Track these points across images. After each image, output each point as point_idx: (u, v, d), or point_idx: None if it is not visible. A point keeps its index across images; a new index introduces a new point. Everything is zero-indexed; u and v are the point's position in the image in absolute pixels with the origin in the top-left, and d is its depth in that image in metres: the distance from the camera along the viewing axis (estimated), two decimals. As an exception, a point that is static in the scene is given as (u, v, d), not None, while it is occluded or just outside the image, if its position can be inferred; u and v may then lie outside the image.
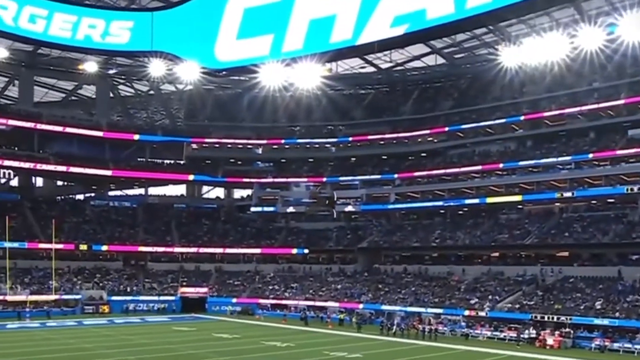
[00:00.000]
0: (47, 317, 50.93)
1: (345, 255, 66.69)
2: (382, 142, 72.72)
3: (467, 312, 49.38)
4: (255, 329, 48.32)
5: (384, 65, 73.18)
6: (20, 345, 36.92)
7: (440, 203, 65.15)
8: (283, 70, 45.62)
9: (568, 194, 56.05)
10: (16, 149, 68.45)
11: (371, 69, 74.63)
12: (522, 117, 63.37)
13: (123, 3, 61.16)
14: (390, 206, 68.54)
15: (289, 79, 56.10)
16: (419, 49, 67.33)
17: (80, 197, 75.80)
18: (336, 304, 56.30)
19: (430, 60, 71.97)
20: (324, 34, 42.96)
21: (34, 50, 68.48)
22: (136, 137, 72.03)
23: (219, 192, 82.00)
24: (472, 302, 51.29)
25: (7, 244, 54.76)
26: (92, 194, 75.88)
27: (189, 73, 50.86)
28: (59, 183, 77.72)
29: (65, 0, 50.78)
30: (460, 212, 65.79)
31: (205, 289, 61.10)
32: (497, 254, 60.15)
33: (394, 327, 46.70)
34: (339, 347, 38.62)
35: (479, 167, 63.87)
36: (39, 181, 77.42)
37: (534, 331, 43.47)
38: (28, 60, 70.59)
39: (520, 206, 62.20)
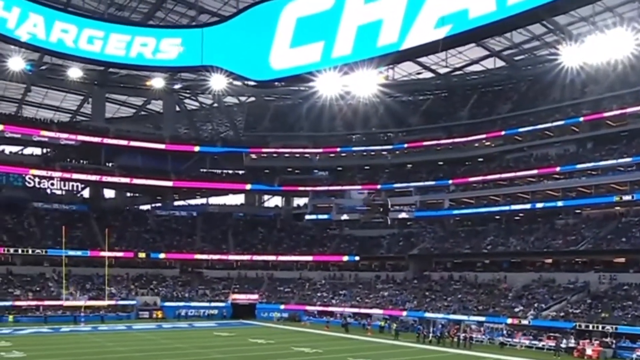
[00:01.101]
0: (101, 322, 53.83)
1: (397, 262, 66.39)
2: (437, 148, 71.97)
3: (509, 320, 48.15)
4: (293, 335, 49.07)
5: (443, 70, 72.43)
6: (52, 347, 39.44)
7: (495, 209, 63.83)
8: (340, 79, 46.10)
9: (627, 197, 53.55)
10: (85, 162, 72.98)
11: (429, 75, 74.05)
12: (581, 119, 61.15)
13: (185, 20, 63.63)
14: (444, 212, 67.67)
15: (346, 87, 56.83)
16: (477, 52, 66.39)
17: (146, 207, 79.24)
18: (380, 311, 56.24)
19: (490, 63, 70.59)
20: (370, 39, 43.39)
21: (105, 69, 72.34)
22: (196, 148, 74.96)
23: (279, 201, 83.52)
24: (517, 310, 49.93)
25: (64, 252, 58.34)
26: (158, 204, 79.18)
27: (248, 85, 52.09)
28: (128, 194, 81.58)
29: (120, 21, 53.68)
30: (517, 218, 64.06)
31: (255, 296, 62.57)
32: (549, 261, 58.10)
33: (430, 334, 46.23)
34: (366, 354, 38.85)
35: (535, 171, 62.00)
36: (111, 193, 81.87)
37: (574, 340, 41.91)
38: (100, 78, 74.50)
39: (577, 211, 59.88)
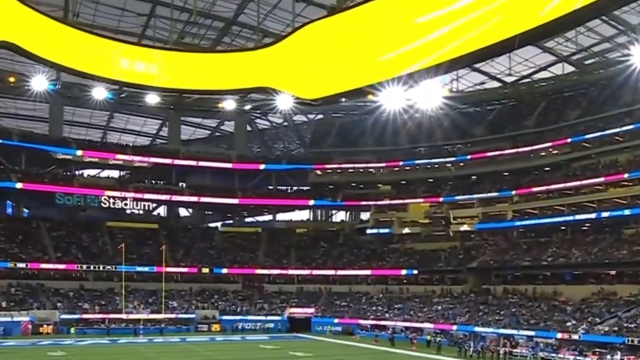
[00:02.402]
0: (160, 334, 56.59)
1: (456, 275, 65.21)
2: (502, 158, 70.21)
3: (559, 335, 46.24)
4: (336, 349, 49.54)
5: (510, 79, 70.81)
6: (99, 357, 42.21)
7: (559, 219, 61.46)
8: (404, 93, 46.57)
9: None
10: (159, 182, 77.11)
11: (496, 84, 72.61)
12: (653, 122, 57.96)
13: (251, 43, 66.05)
14: (507, 224, 65.89)
15: (410, 100, 57.04)
16: (543, 58, 64.76)
17: (216, 224, 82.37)
18: (431, 325, 55.53)
19: (558, 69, 68.35)
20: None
21: (179, 94, 76.54)
22: (262, 166, 77.38)
23: (347, 216, 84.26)
24: (569, 324, 47.89)
25: (132, 268, 62.15)
26: (229, 221, 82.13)
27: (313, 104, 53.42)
28: (204, 212, 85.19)
29: (190, 50, 56.69)
30: (583, 228, 61.34)
31: (311, 309, 63.45)
32: (613, 272, 55.18)
33: (471, 349, 45.31)
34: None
35: (601, 179, 59.23)
36: (187, 211, 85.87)
37: (620, 356, 39.81)
38: (175, 103, 78.63)
39: (647, 219, 56.63)
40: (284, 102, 55.65)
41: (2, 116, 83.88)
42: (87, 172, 79.10)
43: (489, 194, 68.82)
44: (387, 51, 18.32)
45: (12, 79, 63.49)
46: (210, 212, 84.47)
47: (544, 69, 67.66)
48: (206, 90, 62.10)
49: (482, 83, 72.96)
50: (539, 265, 58.87)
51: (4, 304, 54.96)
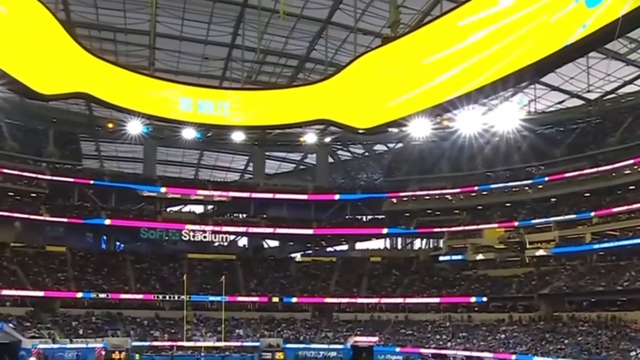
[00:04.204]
0: (221, 361, 58.61)
1: (530, 302, 62.01)
2: (581, 179, 66.49)
3: (617, 365, 42.97)
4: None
5: (592, 96, 67.46)
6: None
7: (640, 241, 57.14)
8: (481, 117, 46.60)
9: None
10: (241, 215, 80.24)
11: (578, 102, 69.40)
12: None
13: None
14: (585, 247, 62.11)
15: (486, 125, 56.29)
16: (626, 71, 61.49)
17: (295, 255, 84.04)
18: (490, 355, 53.24)
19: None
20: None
21: (264, 130, 79.92)
22: (337, 196, 78.35)
23: (421, 243, 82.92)
24: (632, 353, 44.31)
25: (205, 297, 64.95)
26: (309, 252, 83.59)
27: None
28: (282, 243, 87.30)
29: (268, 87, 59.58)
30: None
31: (375, 338, 62.76)
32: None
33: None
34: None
35: (687, 196, 54.72)
36: (271, 243, 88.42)
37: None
38: (259, 139, 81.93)
39: None
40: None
41: (104, 158, 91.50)
42: (176, 208, 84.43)
43: (567, 217, 65.28)
44: (435, 75, 18.77)
45: (110, 125, 69.19)
46: (292, 243, 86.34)
47: (630, 82, 63.77)
48: (267, 126, 65.01)
49: (561, 102, 70.00)
50: (612, 291, 54.88)
51: (81, 331, 59.29)
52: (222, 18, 57.82)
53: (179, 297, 66.25)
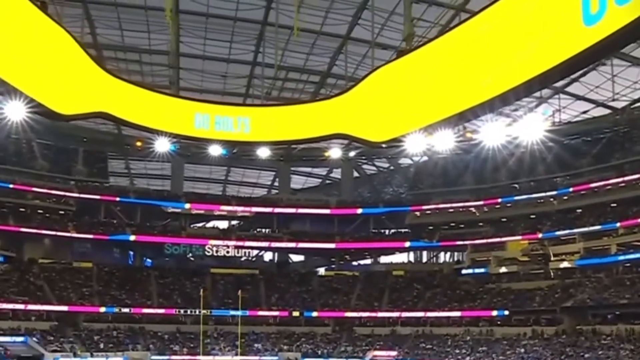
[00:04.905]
0: (238, 375, 58.69)
1: (553, 316, 60.52)
2: (606, 189, 64.95)
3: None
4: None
5: (618, 104, 66.05)
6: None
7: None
8: (505, 128, 46.53)
9: None
10: (265, 230, 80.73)
11: (605, 111, 68.03)
12: None
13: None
14: (610, 259, 60.52)
15: (510, 136, 55.89)
16: None
17: (319, 269, 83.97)
18: (507, 369, 52.11)
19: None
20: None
21: (289, 145, 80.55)
22: (359, 211, 78.04)
23: (445, 256, 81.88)
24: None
25: (226, 312, 65.45)
26: (333, 266, 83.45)
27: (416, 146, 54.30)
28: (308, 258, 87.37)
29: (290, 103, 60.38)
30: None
31: (394, 352, 61.99)
32: None
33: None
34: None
35: None
36: (299, 257, 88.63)
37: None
38: (285, 154, 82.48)
39: None
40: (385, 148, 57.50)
41: (134, 176, 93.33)
42: (200, 223, 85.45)
43: (592, 228, 63.80)
44: (449, 87, 18.94)
45: (139, 143, 70.92)
46: (317, 258, 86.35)
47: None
48: (283, 142, 65.51)
49: (586, 111, 68.68)
50: (637, 303, 53.21)
51: (102, 345, 60.30)
52: (243, 36, 58.82)
53: (199, 312, 66.82)
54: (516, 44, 13.63)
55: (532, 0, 12.07)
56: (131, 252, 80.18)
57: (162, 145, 55.45)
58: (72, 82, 17.95)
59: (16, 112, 18.31)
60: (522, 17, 12.87)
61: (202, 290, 64.49)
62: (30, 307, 61.87)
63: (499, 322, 63.82)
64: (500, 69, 15.50)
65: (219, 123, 39.84)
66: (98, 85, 20.33)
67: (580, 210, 67.34)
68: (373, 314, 68.88)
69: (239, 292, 63.88)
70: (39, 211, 70.41)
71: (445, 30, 17.61)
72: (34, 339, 57.68)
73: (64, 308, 63.45)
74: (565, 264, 63.73)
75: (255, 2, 53.35)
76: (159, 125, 28.29)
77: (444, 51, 17.41)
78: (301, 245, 76.25)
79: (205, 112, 33.88)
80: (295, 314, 68.49)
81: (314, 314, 68.93)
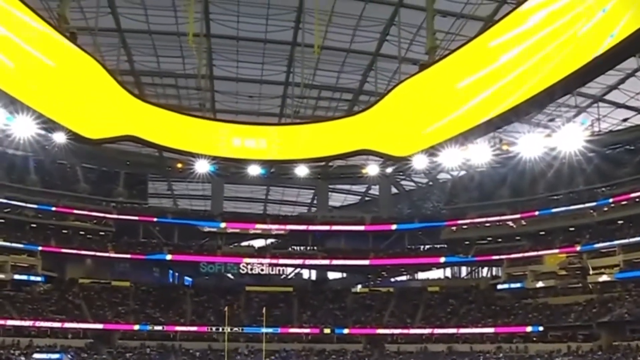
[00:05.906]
0: (264, 391, 58.49)
1: (591, 331, 57.91)
2: (650, 198, 62.19)
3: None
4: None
5: None
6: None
7: None
8: (543, 140, 45.83)
9: None
10: (298, 248, 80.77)
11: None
12: None
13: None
14: (652, 272, 57.67)
15: (548, 147, 54.69)
16: None
17: (358, 287, 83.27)
18: (537, 386, 50.06)
19: None
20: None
21: (326, 163, 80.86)
22: (394, 226, 77.17)
23: (480, 272, 79.72)
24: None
25: (258, 329, 65.54)
26: (370, 282, 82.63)
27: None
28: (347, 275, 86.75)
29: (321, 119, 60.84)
30: None
31: (424, 370, 60.70)
32: None
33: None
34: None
35: None
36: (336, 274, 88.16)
37: None
38: (322, 172, 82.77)
39: None
40: (419, 163, 56.93)
41: (177, 197, 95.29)
42: (239, 242, 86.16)
43: (632, 239, 60.95)
44: (470, 99, 19.09)
45: (179, 165, 72.68)
46: (354, 275, 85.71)
47: None
48: (312, 159, 65.62)
49: (626, 119, 66.26)
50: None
51: (133, 362, 61.44)
52: (275, 57, 59.75)
53: (231, 329, 67.19)
54: (535, 50, 13.38)
55: (549, 9, 11.90)
56: (171, 271, 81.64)
57: (202, 167, 56.59)
58: (100, 107, 18.48)
59: (59, 137, 18.90)
60: (539, 25, 12.65)
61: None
62: (67, 325, 63.72)
63: (534, 339, 61.54)
64: (521, 77, 15.23)
65: (247, 142, 39.68)
66: (125, 110, 20.84)
67: (620, 222, 64.54)
68: (405, 331, 67.53)
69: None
70: (80, 232, 72.79)
71: (466, 41, 17.39)
72: (69, 355, 59.28)
73: (99, 326, 65.01)
74: (604, 277, 60.97)
75: (284, 24, 54.17)
76: (186, 146, 28.62)
77: (465, 62, 17.17)
78: (335, 262, 75.97)
79: (234, 133, 34.12)
80: (327, 331, 67.92)
81: (345, 330, 68.23)
